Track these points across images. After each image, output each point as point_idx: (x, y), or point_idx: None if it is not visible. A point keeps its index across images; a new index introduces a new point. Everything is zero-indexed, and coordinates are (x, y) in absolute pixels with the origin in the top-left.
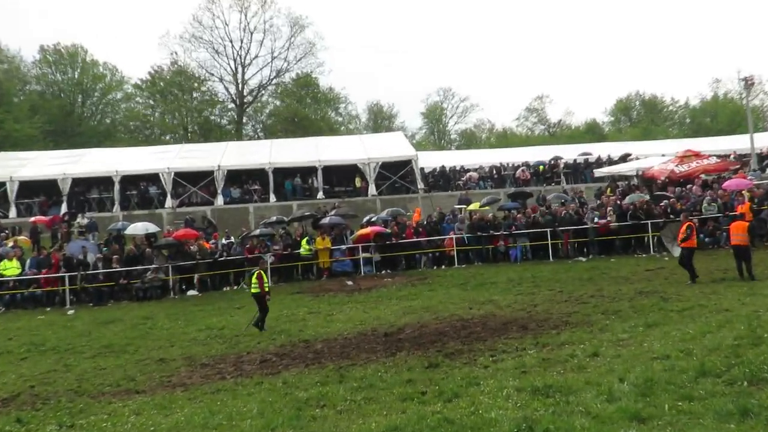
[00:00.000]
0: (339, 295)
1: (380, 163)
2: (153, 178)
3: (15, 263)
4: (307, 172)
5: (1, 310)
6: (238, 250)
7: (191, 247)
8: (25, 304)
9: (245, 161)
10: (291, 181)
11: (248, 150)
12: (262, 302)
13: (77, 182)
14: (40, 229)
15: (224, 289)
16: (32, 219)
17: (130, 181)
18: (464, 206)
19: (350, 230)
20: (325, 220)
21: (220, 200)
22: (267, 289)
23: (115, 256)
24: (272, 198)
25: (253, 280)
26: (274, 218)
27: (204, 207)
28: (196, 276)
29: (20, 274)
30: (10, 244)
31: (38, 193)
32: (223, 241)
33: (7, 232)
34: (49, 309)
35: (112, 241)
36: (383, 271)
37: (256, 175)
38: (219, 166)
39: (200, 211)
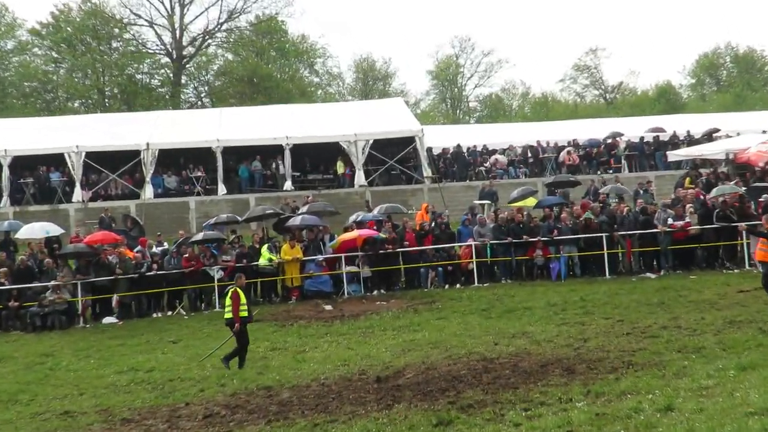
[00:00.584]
0: (314, 324)
1: (371, 142)
2: (56, 161)
3: None
4: (270, 153)
5: None
6: (173, 261)
7: (109, 257)
8: None
9: (184, 138)
10: (247, 165)
11: (188, 122)
12: (239, 332)
13: None
14: None
15: (154, 315)
16: None
17: (23, 164)
18: (487, 202)
19: (330, 234)
20: (295, 221)
21: (149, 192)
22: (243, 314)
23: (1, 270)
24: (221, 189)
25: (227, 301)
26: (223, 217)
27: (127, 201)
28: (115, 297)
29: None
30: None
31: None
32: (155, 248)
33: None
34: None
35: None
36: (375, 292)
37: (200, 157)
38: (148, 144)
39: (122, 206)
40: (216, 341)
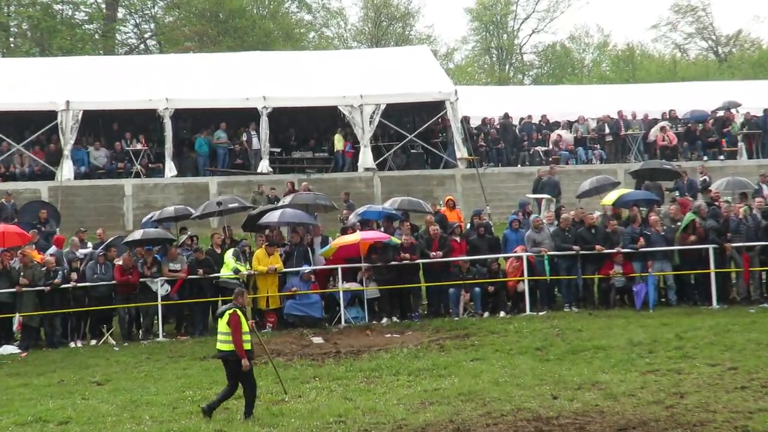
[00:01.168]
0: (297, 363)
1: (383, 107)
2: None
3: None
4: (240, 120)
5: None
6: (100, 270)
7: (9, 263)
8: None
9: (119, 96)
10: (207, 136)
11: (126, 74)
12: (243, 370)
13: None
14: None
15: (72, 344)
16: None
17: None
18: (546, 197)
19: (321, 237)
20: (272, 216)
21: (67, 170)
22: (249, 345)
23: None
24: (169, 168)
25: (222, 326)
26: (170, 210)
27: (37, 183)
28: (17, 318)
29: None
30: None
31: None
32: (79, 251)
33: None
34: None
35: None
36: (384, 319)
37: (140, 123)
38: (68, 103)
39: (29, 190)
40: (164, 383)
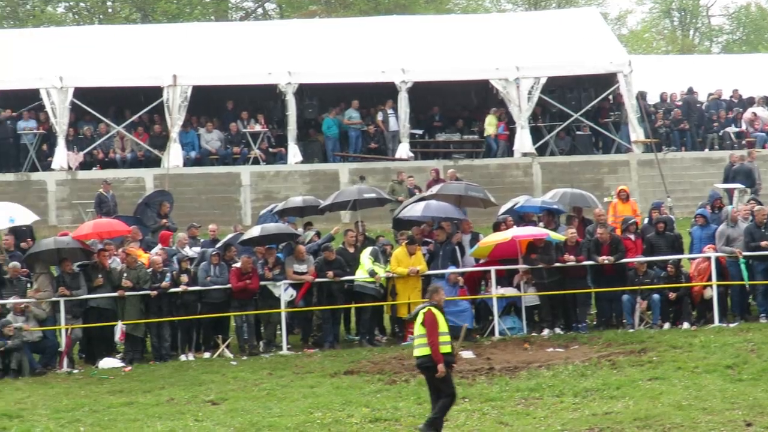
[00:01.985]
0: None
1: (543, 81)
2: (26, 102)
3: None
4: (375, 97)
5: None
6: (215, 271)
7: (110, 262)
8: None
9: (233, 70)
10: (337, 116)
11: (242, 44)
12: (443, 378)
13: None
14: None
15: (183, 357)
16: None
17: None
18: (740, 186)
19: (471, 234)
20: (414, 210)
21: (175, 155)
22: (447, 349)
23: None
24: (293, 154)
25: (418, 327)
26: (299, 199)
27: (140, 170)
28: (119, 326)
29: None
30: None
31: None
32: (185, 249)
33: None
34: None
35: None
36: (545, 331)
37: (259, 101)
38: (175, 78)
39: (131, 178)
40: (289, 403)
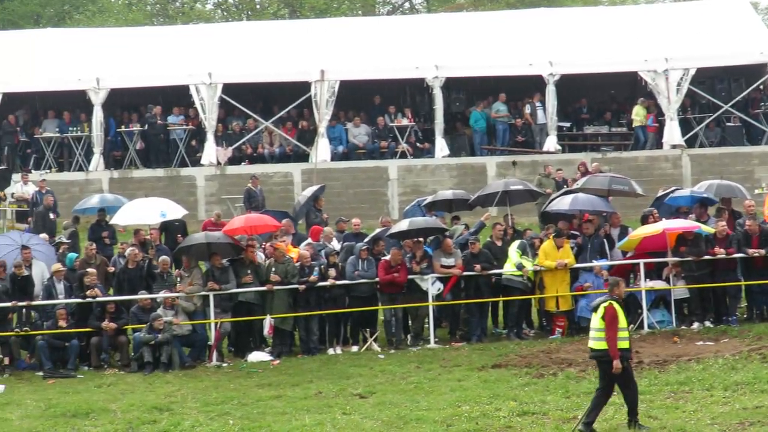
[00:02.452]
0: (591, 374)
1: (692, 73)
2: (176, 98)
3: None
4: (522, 90)
5: None
6: (362, 266)
7: (258, 256)
8: None
9: (380, 64)
10: (484, 109)
11: (388, 38)
12: (613, 373)
13: (13, 103)
14: None
15: (331, 350)
16: None
17: (125, 103)
18: None
19: (620, 227)
20: (562, 203)
21: (323, 150)
22: (626, 344)
23: (90, 271)
24: (440, 147)
25: (597, 321)
26: (449, 193)
27: (288, 165)
28: (268, 320)
29: None
30: None
31: None
32: (335, 243)
33: None
34: None
35: (75, 238)
36: (695, 324)
37: (407, 95)
38: (323, 73)
39: (280, 172)
40: (437, 396)
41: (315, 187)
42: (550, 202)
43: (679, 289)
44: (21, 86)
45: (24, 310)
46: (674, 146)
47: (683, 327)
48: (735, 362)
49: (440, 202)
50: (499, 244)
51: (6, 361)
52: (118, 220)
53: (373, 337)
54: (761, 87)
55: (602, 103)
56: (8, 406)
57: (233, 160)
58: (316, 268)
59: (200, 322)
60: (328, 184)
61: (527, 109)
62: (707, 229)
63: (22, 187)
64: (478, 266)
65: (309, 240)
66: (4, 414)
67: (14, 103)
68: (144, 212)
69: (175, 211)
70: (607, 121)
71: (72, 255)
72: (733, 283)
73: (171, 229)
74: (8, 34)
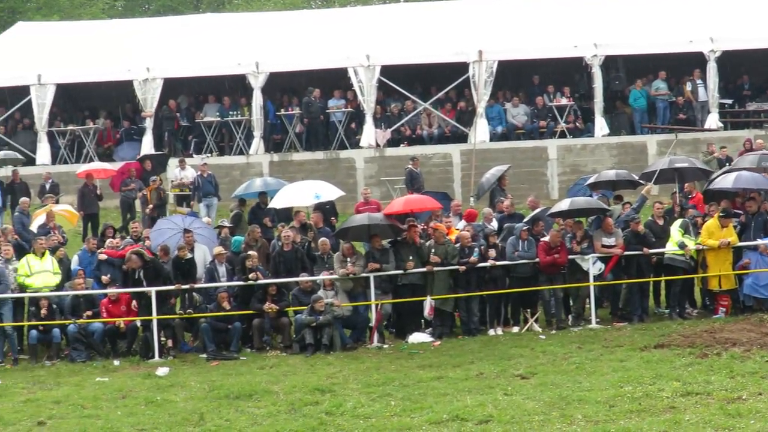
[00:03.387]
0: (756, 354)
1: None
2: (334, 82)
3: (49, 263)
4: (682, 67)
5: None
6: (522, 246)
7: (419, 237)
8: (73, 351)
9: (538, 43)
10: (642, 87)
11: (544, 16)
12: None
13: (171, 87)
14: (100, 189)
15: (491, 331)
16: (82, 170)
17: (285, 87)
18: None
19: None
20: (725, 181)
21: (482, 130)
22: None
23: (251, 254)
24: (600, 126)
25: None
26: (612, 173)
27: (446, 146)
28: (428, 301)
29: (59, 287)
30: (38, 220)
31: (90, 108)
32: (494, 224)
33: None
34: (118, 362)
35: (239, 220)
36: None
37: (565, 74)
38: (480, 53)
39: (438, 153)
40: (599, 377)
41: (502, 167)
42: (712, 181)
43: None
44: (181, 72)
45: (187, 293)
46: None
47: None
48: None
49: (603, 182)
50: (660, 222)
51: (170, 343)
52: (274, 203)
53: (534, 317)
54: None
55: (765, 80)
56: (173, 388)
57: (392, 142)
58: (476, 249)
59: (361, 304)
60: (485, 165)
61: (688, 87)
62: None
63: (180, 172)
64: (646, 249)
65: (462, 222)
66: (169, 396)
67: (175, 88)
68: (299, 195)
69: (330, 193)
70: None
71: (238, 238)
72: None
73: (324, 212)
74: (169, 20)
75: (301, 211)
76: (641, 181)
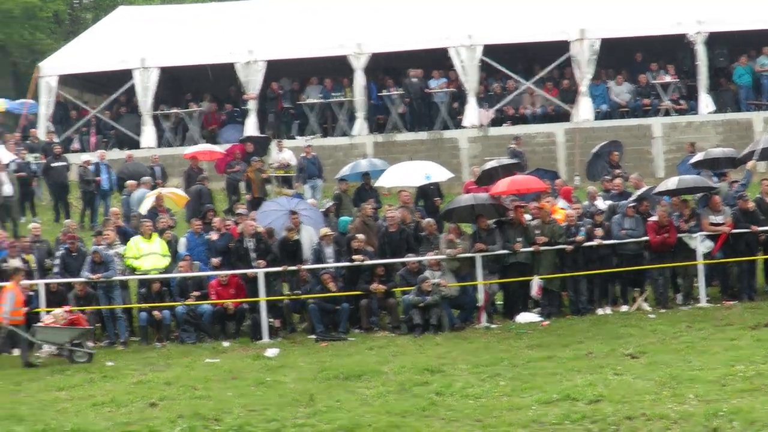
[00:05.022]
0: None
1: None
2: (436, 62)
3: (157, 245)
4: None
5: (158, 345)
6: (632, 223)
7: (526, 217)
8: (182, 333)
9: (640, 22)
10: (747, 63)
11: None
12: None
13: (274, 69)
14: (206, 172)
15: (600, 310)
16: (188, 152)
17: (387, 67)
18: None
19: None
20: None
21: (585, 109)
22: None
23: (359, 237)
24: (705, 104)
25: None
26: (718, 151)
27: (549, 125)
28: (535, 281)
29: (168, 269)
30: (148, 203)
31: (193, 91)
32: (600, 203)
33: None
34: (227, 344)
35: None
36: None
37: (668, 51)
38: (582, 31)
39: (542, 133)
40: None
41: (607, 142)
42: None
43: None
44: (283, 54)
45: (294, 274)
46: None
47: None
48: None
49: (710, 160)
50: None
51: (278, 324)
52: (382, 182)
53: (643, 296)
54: None
55: None
56: (282, 369)
57: (495, 122)
58: (582, 228)
59: (468, 284)
60: (590, 144)
61: None
62: None
63: (278, 153)
64: (754, 227)
65: (562, 202)
66: (279, 377)
67: (278, 70)
68: (409, 175)
69: (440, 174)
70: None
71: (344, 219)
72: None
73: (428, 193)
74: (270, 1)
75: (405, 191)
76: (743, 160)
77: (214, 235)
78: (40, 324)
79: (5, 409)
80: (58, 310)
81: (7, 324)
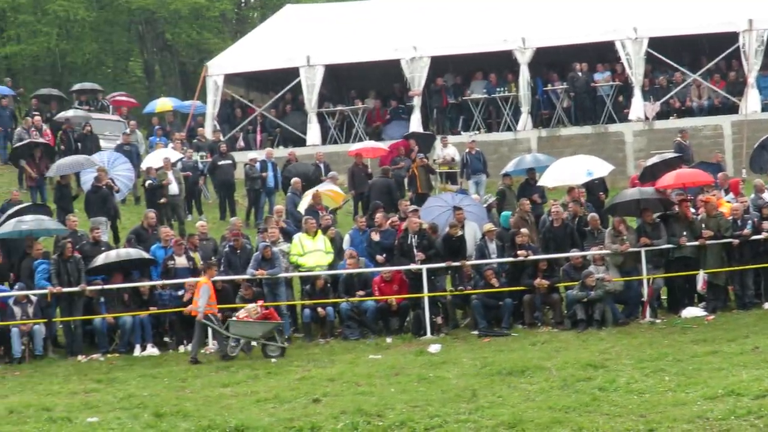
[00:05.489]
0: None
1: None
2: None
3: (321, 242)
4: None
5: (321, 342)
6: None
7: (689, 213)
8: (346, 329)
9: None
10: None
11: None
12: None
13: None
14: (372, 169)
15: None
16: (353, 149)
17: (551, 61)
18: None
19: None
20: None
21: (753, 101)
22: None
23: (523, 231)
24: None
25: None
26: None
27: (716, 117)
28: (701, 276)
29: (332, 265)
30: (305, 201)
31: (358, 88)
32: (766, 194)
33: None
34: (390, 340)
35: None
36: None
37: None
38: (750, 22)
39: (708, 125)
40: None
41: None
42: None
43: None
44: (448, 49)
45: (458, 270)
46: None
47: None
48: None
49: None
50: None
51: (440, 320)
52: (545, 180)
53: None
54: None
55: None
56: (445, 365)
57: (661, 115)
58: (749, 221)
59: (633, 279)
60: (758, 136)
61: None
62: None
63: (442, 149)
64: None
65: (729, 195)
66: (442, 372)
67: (441, 66)
68: (570, 172)
69: (601, 169)
70: None
71: (506, 214)
72: None
73: (592, 188)
74: None
75: (575, 187)
76: None
77: (375, 235)
78: (234, 318)
79: (171, 405)
80: (251, 305)
81: (202, 318)
